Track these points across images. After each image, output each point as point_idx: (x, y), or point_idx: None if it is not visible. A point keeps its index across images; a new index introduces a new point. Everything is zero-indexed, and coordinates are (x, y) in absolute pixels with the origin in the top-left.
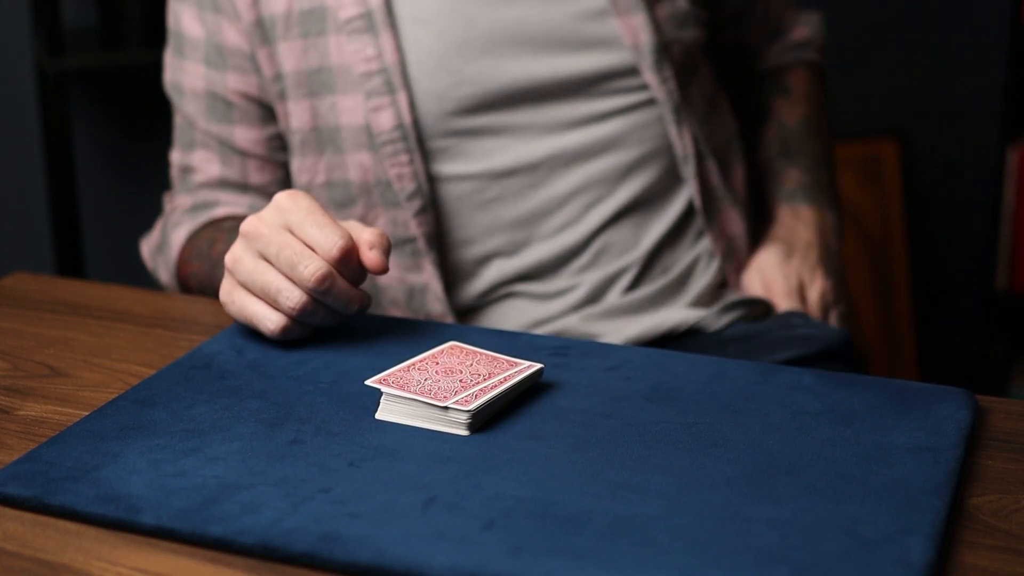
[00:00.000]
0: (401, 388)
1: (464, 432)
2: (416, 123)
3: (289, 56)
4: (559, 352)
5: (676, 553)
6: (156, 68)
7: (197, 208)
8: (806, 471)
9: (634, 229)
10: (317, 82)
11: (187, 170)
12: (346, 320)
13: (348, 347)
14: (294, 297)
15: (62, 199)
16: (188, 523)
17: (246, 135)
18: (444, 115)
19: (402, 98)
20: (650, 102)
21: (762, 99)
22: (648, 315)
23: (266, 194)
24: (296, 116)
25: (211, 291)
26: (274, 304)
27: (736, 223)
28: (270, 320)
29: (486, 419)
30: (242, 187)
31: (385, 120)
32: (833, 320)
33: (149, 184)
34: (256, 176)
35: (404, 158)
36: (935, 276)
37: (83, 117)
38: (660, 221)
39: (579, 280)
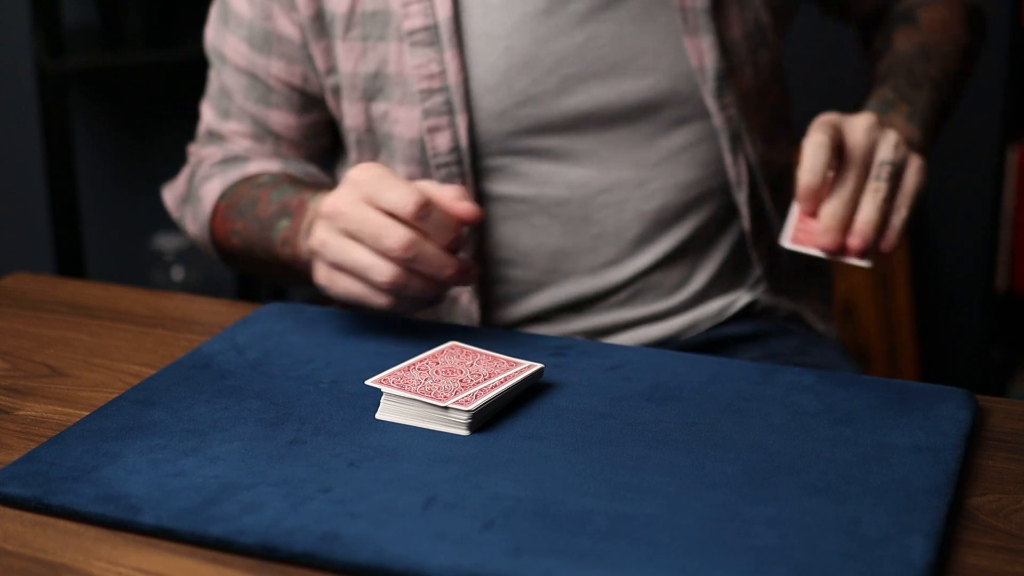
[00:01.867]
0: (401, 388)
1: (464, 432)
2: (473, 144)
3: (347, 57)
4: (559, 352)
5: (676, 553)
6: (156, 68)
7: (228, 162)
8: (806, 471)
9: (683, 271)
10: (373, 87)
11: (216, 135)
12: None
13: (348, 347)
14: (385, 272)
15: (62, 199)
16: (188, 523)
17: (283, 120)
18: (503, 135)
19: (462, 120)
20: (710, 127)
21: (886, 32)
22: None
23: (304, 166)
24: (351, 117)
25: (259, 251)
26: (367, 282)
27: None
28: (375, 298)
29: (486, 419)
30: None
31: (442, 142)
32: (895, 220)
33: (149, 184)
34: (289, 152)
35: (457, 181)
36: (935, 276)
37: (83, 117)
38: (711, 260)
39: (617, 316)
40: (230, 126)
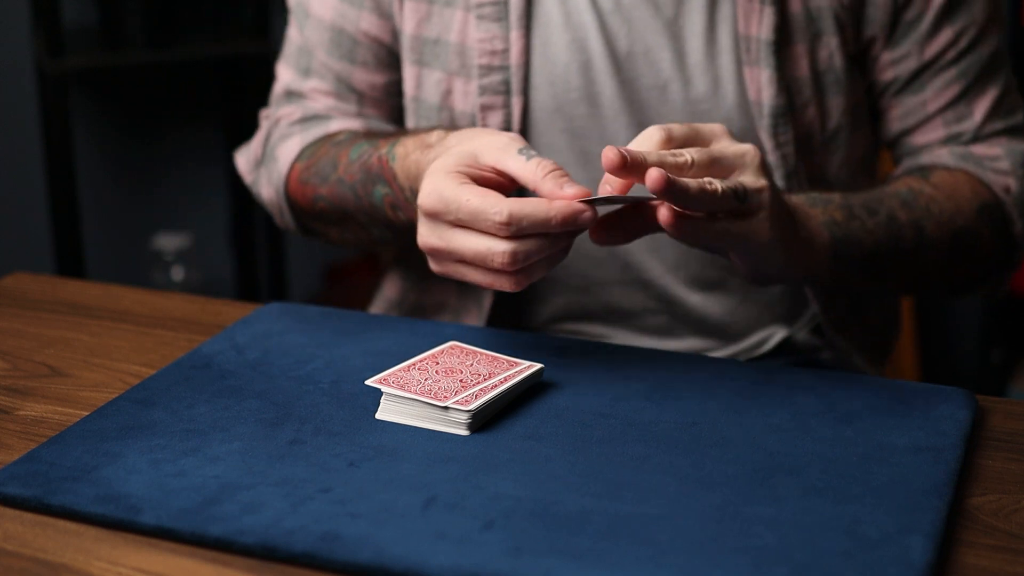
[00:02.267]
0: (401, 388)
1: (464, 432)
2: (524, 131)
3: (411, 17)
4: (559, 352)
5: (676, 553)
6: (156, 68)
7: (308, 120)
8: (806, 471)
9: (730, 302)
10: (431, 53)
11: (296, 95)
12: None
13: (348, 347)
14: (500, 254)
15: (62, 199)
16: (188, 523)
17: (366, 77)
18: (556, 130)
19: (517, 103)
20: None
21: (896, 175)
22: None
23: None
24: (406, 80)
25: (360, 215)
26: (489, 270)
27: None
28: (502, 283)
29: (486, 419)
30: (357, 117)
31: (494, 122)
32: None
33: (149, 184)
34: (371, 111)
35: None
36: None
37: (83, 117)
38: (761, 293)
39: (654, 343)
40: (311, 84)
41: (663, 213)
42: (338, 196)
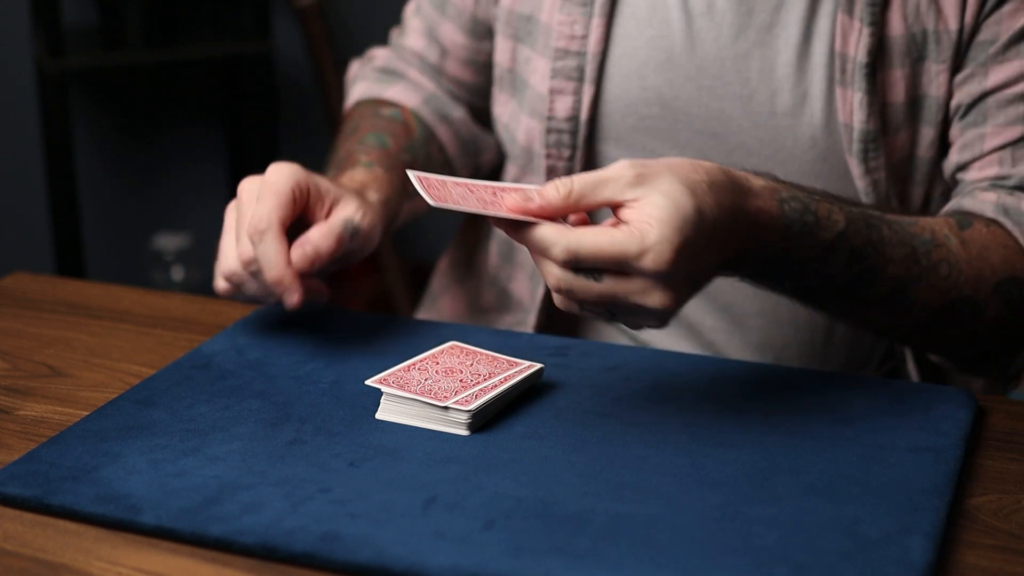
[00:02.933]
0: (401, 388)
1: (464, 432)
2: (592, 122)
3: None
4: (559, 352)
5: (676, 553)
6: (156, 68)
7: (386, 72)
8: (806, 471)
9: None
10: (524, 30)
11: (403, 25)
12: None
13: (348, 347)
14: (225, 264)
15: (62, 199)
16: (188, 523)
17: (451, 35)
18: (625, 128)
19: (587, 91)
20: (851, 188)
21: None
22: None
23: (463, 91)
24: (500, 51)
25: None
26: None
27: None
28: (216, 280)
29: (486, 419)
30: (437, 71)
31: (561, 107)
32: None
33: (149, 184)
34: (454, 70)
35: (566, 152)
36: None
37: (83, 117)
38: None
39: (708, 340)
40: (414, 22)
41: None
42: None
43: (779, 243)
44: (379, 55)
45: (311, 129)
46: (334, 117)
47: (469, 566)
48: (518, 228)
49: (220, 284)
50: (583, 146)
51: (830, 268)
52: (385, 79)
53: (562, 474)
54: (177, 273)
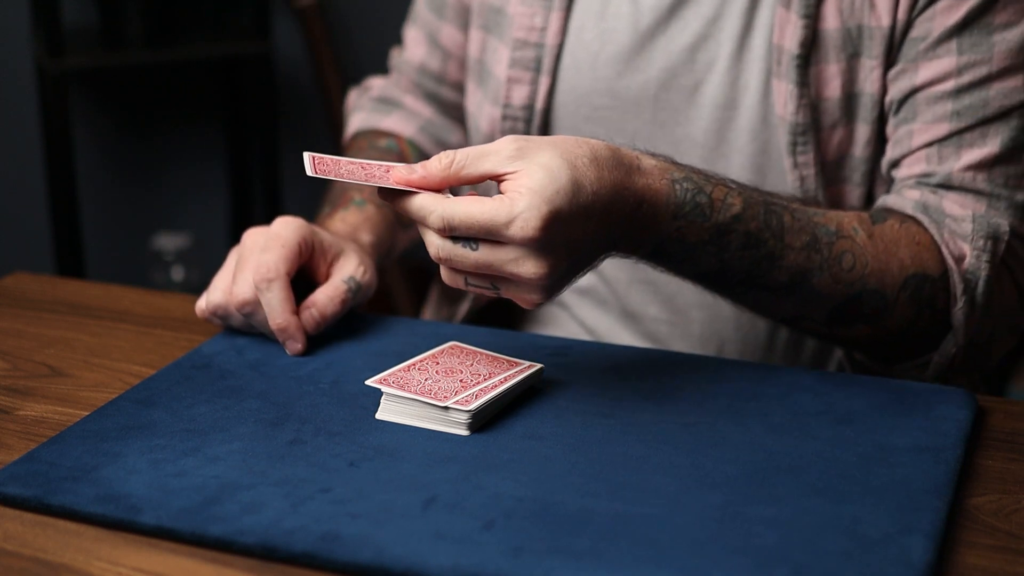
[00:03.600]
0: (401, 388)
1: (464, 432)
2: (547, 112)
3: None
4: (559, 352)
5: (676, 553)
6: (156, 68)
7: (382, 101)
8: (806, 471)
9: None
10: (493, 21)
11: (402, 44)
12: (343, 320)
13: (348, 347)
14: (212, 299)
15: (62, 199)
16: (188, 523)
17: (452, 36)
18: (578, 118)
19: (544, 82)
20: (784, 182)
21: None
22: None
23: (463, 94)
24: (473, 42)
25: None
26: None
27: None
28: (202, 301)
29: (486, 419)
30: (438, 81)
31: (518, 95)
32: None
33: (149, 184)
34: (456, 73)
35: None
36: None
37: (83, 117)
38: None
39: (650, 330)
40: (412, 32)
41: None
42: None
43: (671, 223)
44: (375, 84)
45: (311, 129)
46: (334, 117)
47: (469, 566)
48: (401, 198)
49: (202, 308)
50: (537, 134)
51: (726, 252)
52: (382, 108)
53: (562, 474)
54: (177, 273)
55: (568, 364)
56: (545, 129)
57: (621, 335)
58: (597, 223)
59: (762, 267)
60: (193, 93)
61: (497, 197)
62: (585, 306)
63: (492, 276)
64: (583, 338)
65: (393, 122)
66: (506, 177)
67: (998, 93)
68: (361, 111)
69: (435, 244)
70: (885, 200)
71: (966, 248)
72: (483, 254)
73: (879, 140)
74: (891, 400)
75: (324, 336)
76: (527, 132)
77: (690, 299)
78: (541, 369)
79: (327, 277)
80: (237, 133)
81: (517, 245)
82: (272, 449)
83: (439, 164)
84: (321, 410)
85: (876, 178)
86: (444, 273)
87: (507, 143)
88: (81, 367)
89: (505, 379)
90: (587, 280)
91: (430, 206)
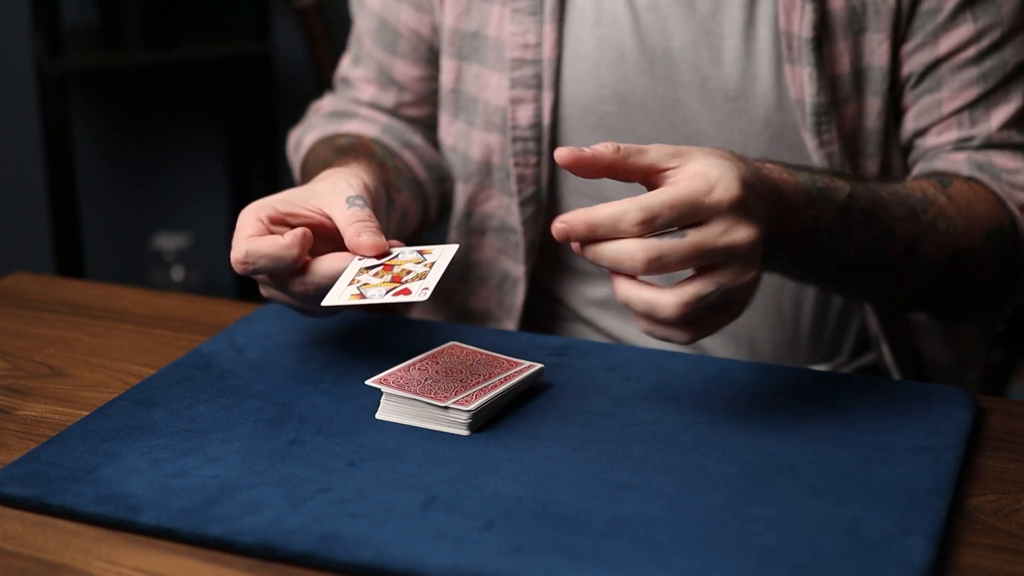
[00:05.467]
0: (401, 388)
1: (464, 432)
2: (554, 127)
3: (452, 10)
4: (559, 352)
5: (676, 553)
6: (156, 68)
7: (334, 115)
8: (806, 471)
9: (768, 320)
10: (469, 47)
11: (346, 82)
12: (347, 319)
13: (348, 347)
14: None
15: (62, 199)
16: (188, 523)
17: (407, 70)
18: (587, 127)
19: (547, 98)
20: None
21: (915, 175)
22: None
23: (418, 125)
24: (444, 72)
25: None
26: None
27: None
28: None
29: (486, 419)
30: (391, 114)
31: (523, 116)
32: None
33: (149, 184)
34: (410, 110)
35: (532, 160)
36: None
37: (83, 117)
38: (805, 313)
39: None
40: (358, 72)
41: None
42: None
43: (806, 211)
44: (324, 104)
45: None
46: None
47: (469, 566)
48: (587, 230)
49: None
50: (548, 151)
51: (853, 235)
52: (336, 120)
53: (562, 474)
54: (177, 273)
55: (568, 364)
56: (555, 145)
57: (648, 338)
58: (760, 203)
59: (882, 244)
60: (193, 93)
61: (680, 179)
62: (607, 317)
63: (709, 256)
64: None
65: (353, 127)
66: (669, 171)
67: (1013, 51)
68: (313, 129)
69: (639, 250)
70: (932, 165)
71: None
72: (694, 237)
73: (889, 112)
74: (891, 400)
75: (324, 336)
76: (537, 151)
77: None
78: (541, 369)
79: (334, 229)
80: (237, 133)
81: (724, 214)
82: (272, 449)
83: (607, 148)
84: (321, 410)
85: (891, 149)
86: (685, 333)
87: (662, 147)
88: (81, 367)
89: (505, 379)
90: (607, 290)
91: (623, 207)
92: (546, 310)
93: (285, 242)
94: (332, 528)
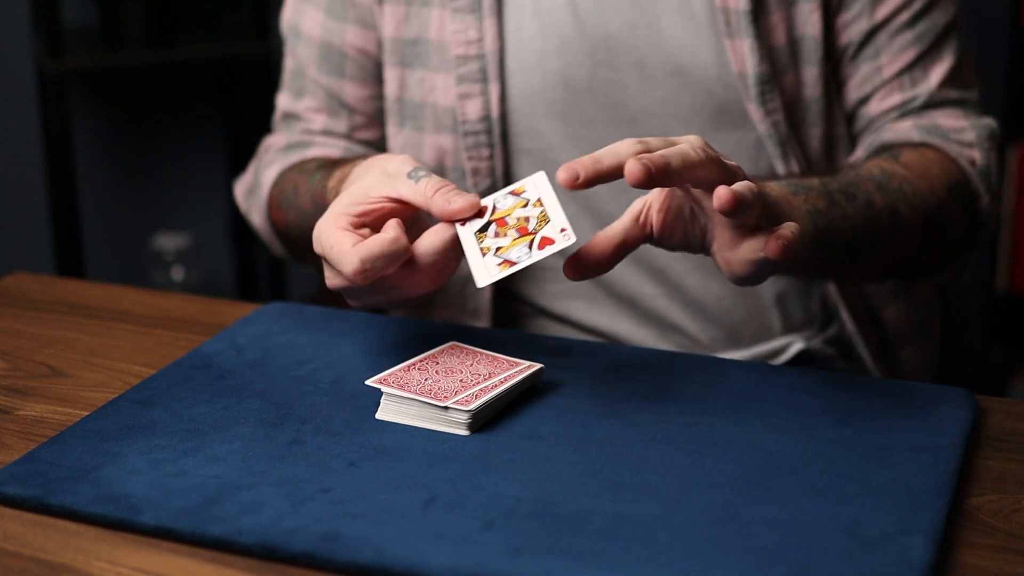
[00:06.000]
0: (401, 388)
1: (464, 432)
2: (504, 118)
3: (390, 20)
4: (559, 352)
5: (676, 553)
6: (156, 68)
7: (291, 147)
8: (806, 471)
9: (726, 291)
10: (411, 54)
11: (292, 116)
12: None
13: (348, 347)
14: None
15: (62, 199)
16: (188, 523)
17: (356, 92)
18: (535, 116)
19: (494, 90)
20: (754, 136)
21: (863, 157)
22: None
23: (373, 148)
24: (388, 82)
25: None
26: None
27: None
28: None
29: (486, 419)
30: (347, 139)
31: (472, 110)
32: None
33: (149, 184)
34: (363, 133)
35: (484, 152)
36: None
37: (83, 117)
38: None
39: (649, 308)
40: (304, 104)
41: (722, 195)
42: (298, 224)
43: (796, 200)
44: (275, 140)
45: None
46: None
47: (469, 566)
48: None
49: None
50: (499, 143)
51: (845, 212)
52: (297, 150)
53: (562, 474)
54: (177, 273)
55: (568, 364)
56: (505, 136)
57: (624, 323)
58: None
59: (870, 216)
60: (193, 93)
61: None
62: (581, 308)
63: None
64: (589, 339)
65: (315, 153)
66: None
67: (941, 12)
68: (273, 164)
69: (631, 143)
70: (882, 138)
71: (975, 153)
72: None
73: (828, 80)
74: (891, 400)
75: (324, 336)
76: (489, 144)
77: (680, 267)
78: (541, 369)
79: (407, 211)
80: (237, 133)
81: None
82: (272, 449)
83: (627, 142)
84: (321, 410)
85: (833, 119)
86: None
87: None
88: (81, 367)
89: (505, 379)
90: (567, 283)
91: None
92: (514, 310)
93: (390, 236)
94: (332, 528)
